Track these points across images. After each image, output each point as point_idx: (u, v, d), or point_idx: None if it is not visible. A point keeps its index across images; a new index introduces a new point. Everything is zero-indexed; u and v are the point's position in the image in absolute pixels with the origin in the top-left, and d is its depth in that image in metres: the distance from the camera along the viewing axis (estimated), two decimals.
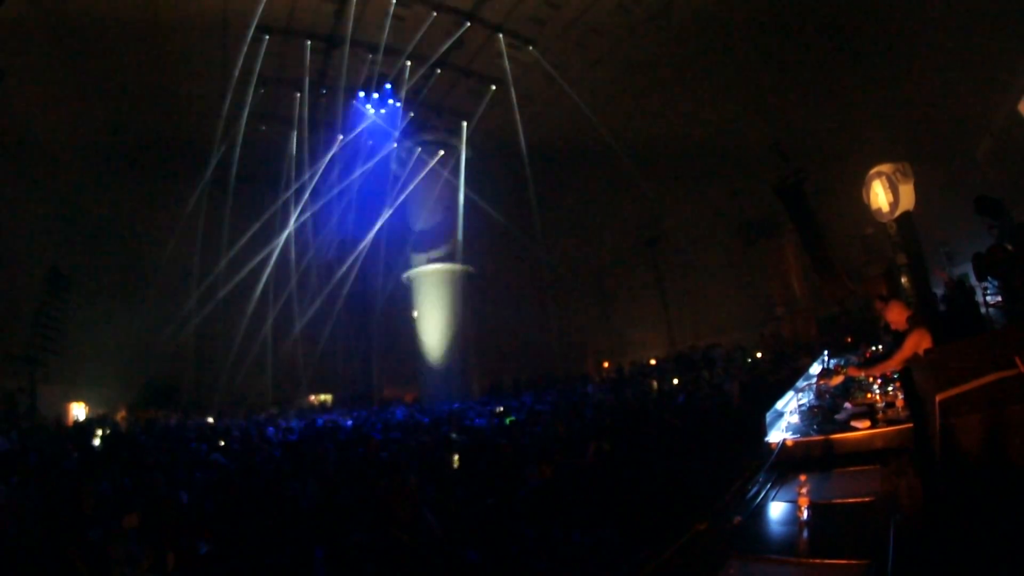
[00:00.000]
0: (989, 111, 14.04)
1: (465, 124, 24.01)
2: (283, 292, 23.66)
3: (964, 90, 14.74)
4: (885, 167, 12.23)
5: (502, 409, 13.98)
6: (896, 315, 5.65)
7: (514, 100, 22.60)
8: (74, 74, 16.87)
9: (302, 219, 23.80)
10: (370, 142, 23.61)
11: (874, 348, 8.52)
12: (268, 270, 23.45)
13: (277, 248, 23.56)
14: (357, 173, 24.05)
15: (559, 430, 8.86)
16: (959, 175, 14.56)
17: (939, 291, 11.94)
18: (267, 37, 18.83)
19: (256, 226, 22.95)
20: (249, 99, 20.98)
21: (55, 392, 17.31)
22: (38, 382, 16.46)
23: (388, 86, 21.77)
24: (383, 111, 22.87)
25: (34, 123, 16.67)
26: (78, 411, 18.52)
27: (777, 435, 4.66)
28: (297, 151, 22.73)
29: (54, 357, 17.01)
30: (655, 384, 16.88)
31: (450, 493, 6.52)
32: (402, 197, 25.09)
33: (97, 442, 12.58)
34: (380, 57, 20.48)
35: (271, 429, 14.00)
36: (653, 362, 23.50)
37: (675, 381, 17.26)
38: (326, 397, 25.04)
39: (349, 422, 15.26)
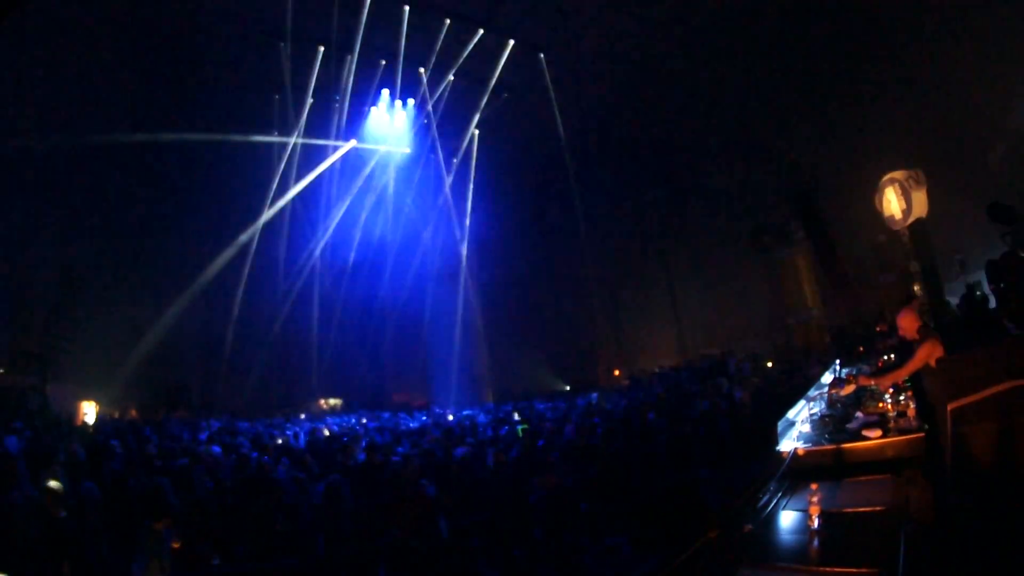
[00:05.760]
0: (1002, 117, 13.96)
1: (477, 130, 24.09)
2: (294, 295, 23.80)
3: (977, 96, 14.65)
4: (898, 174, 12.16)
5: (518, 417, 13.94)
6: (908, 322, 5.62)
7: (525, 107, 22.72)
8: (85, 78, 17.05)
9: (313, 224, 23.97)
10: (383, 148, 23.74)
11: (886, 357, 8.48)
12: (280, 274, 23.62)
13: (287, 251, 23.77)
14: (366, 179, 24.21)
15: (580, 438, 8.83)
16: (972, 181, 14.44)
17: (954, 299, 11.84)
18: (282, 44, 19.02)
19: (264, 229, 23.09)
20: (260, 105, 21.20)
21: (66, 390, 17.40)
22: (49, 380, 16.57)
23: (401, 93, 21.94)
24: (396, 117, 23.04)
25: (48, 124, 16.87)
26: (89, 410, 18.62)
27: (789, 444, 4.66)
28: (309, 157, 22.89)
29: (65, 355, 17.13)
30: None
31: (459, 500, 6.53)
32: (414, 203, 25.21)
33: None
34: (393, 64, 20.65)
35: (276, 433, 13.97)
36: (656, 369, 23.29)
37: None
38: (336, 401, 25.06)
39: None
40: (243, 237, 21.73)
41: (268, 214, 22.17)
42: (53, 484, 6.45)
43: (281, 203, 22.60)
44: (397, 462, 7.97)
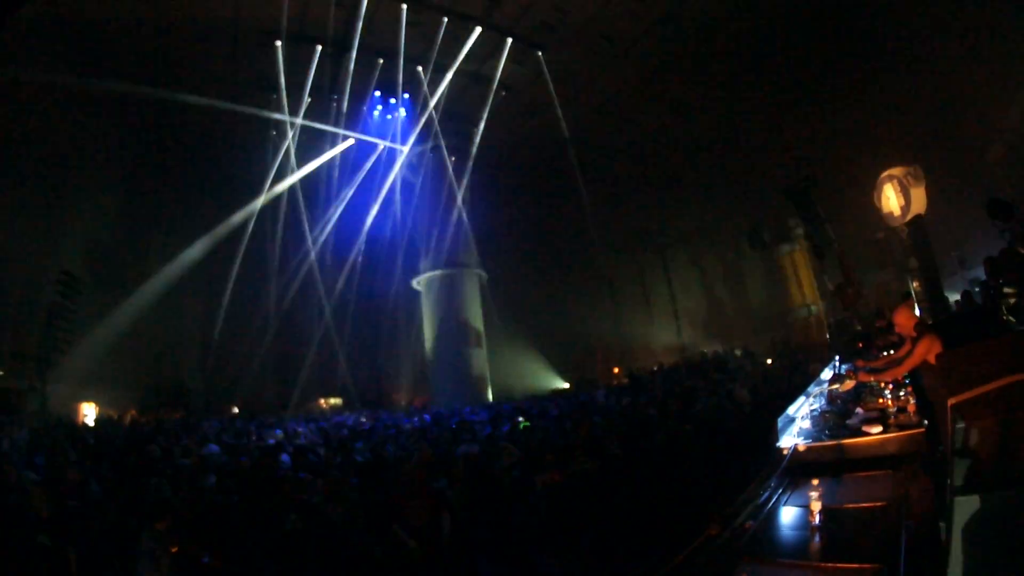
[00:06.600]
0: (1001, 113, 13.96)
1: (475, 129, 24.07)
2: (292, 295, 23.78)
3: (975, 93, 14.66)
4: (896, 170, 12.16)
5: (521, 419, 13.94)
6: (904, 319, 5.61)
7: (522, 105, 22.68)
8: (84, 78, 17.00)
9: (311, 223, 23.95)
10: (381, 146, 23.73)
11: (886, 353, 8.48)
12: (277, 274, 23.60)
13: (285, 251, 23.74)
14: (365, 178, 24.19)
15: (581, 435, 8.80)
16: (971, 178, 14.45)
17: (953, 295, 11.86)
18: (278, 43, 18.98)
19: (265, 230, 23.10)
20: (258, 104, 21.15)
21: (65, 392, 17.39)
22: (48, 382, 16.55)
23: (398, 91, 21.91)
24: (393, 116, 23.02)
25: (46, 127, 16.83)
26: (88, 411, 18.62)
27: (789, 440, 4.65)
28: (306, 156, 22.87)
29: (65, 357, 17.11)
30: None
31: (461, 498, 6.52)
32: (413, 202, 25.22)
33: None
34: (391, 62, 20.62)
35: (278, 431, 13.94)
36: (656, 368, 23.28)
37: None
38: (336, 401, 25.07)
39: None
40: (241, 236, 21.76)
41: (265, 201, 22.18)
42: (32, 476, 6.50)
43: (278, 198, 22.63)
44: (401, 459, 7.98)
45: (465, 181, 24.99)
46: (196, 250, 21.24)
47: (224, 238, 21.80)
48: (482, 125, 23.58)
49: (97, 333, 18.63)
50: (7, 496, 6.26)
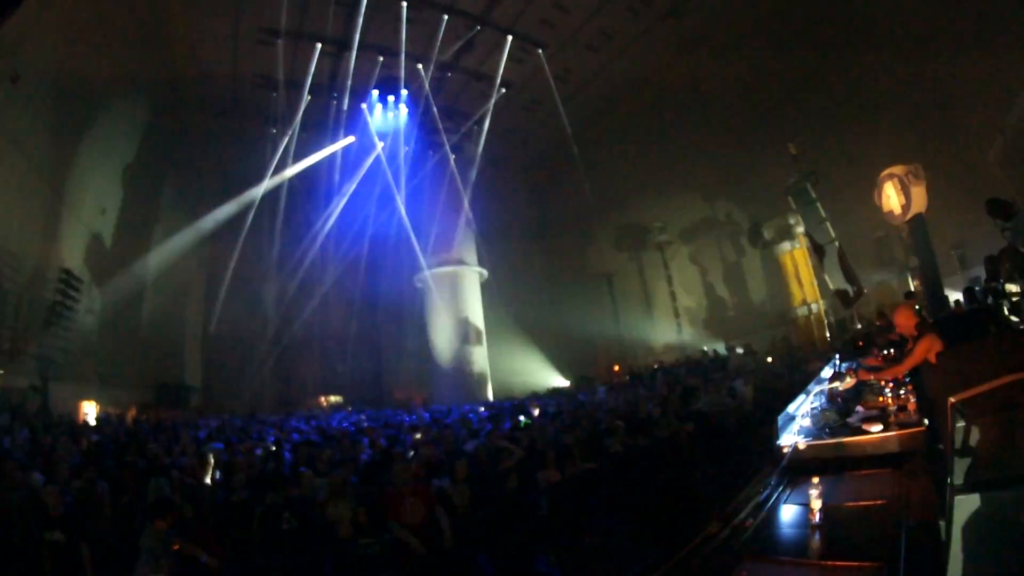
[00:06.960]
0: (1001, 112, 13.93)
1: (476, 127, 24.06)
2: (293, 294, 23.79)
3: (976, 91, 14.63)
4: (897, 169, 12.12)
5: (522, 417, 13.97)
6: (904, 319, 5.61)
7: (525, 103, 22.64)
8: (87, 76, 16.99)
9: (312, 222, 23.96)
10: (380, 144, 23.71)
11: (886, 352, 8.48)
12: (278, 272, 23.61)
13: (284, 249, 23.75)
14: (366, 175, 24.18)
15: (581, 433, 8.81)
16: (971, 177, 14.44)
17: (954, 294, 11.85)
18: (278, 41, 18.98)
19: (264, 228, 23.09)
20: (259, 102, 21.16)
21: (66, 391, 17.38)
22: (49, 380, 16.54)
23: (399, 89, 21.90)
24: (394, 114, 23.00)
25: (46, 125, 16.81)
26: (89, 410, 18.60)
27: (789, 438, 4.64)
28: (306, 154, 22.87)
29: (65, 355, 17.10)
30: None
31: (462, 496, 6.52)
32: (413, 199, 25.19)
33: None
34: (391, 60, 20.62)
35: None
36: (656, 366, 23.25)
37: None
38: (336, 399, 25.09)
39: None
40: (241, 234, 21.77)
41: (264, 197, 22.21)
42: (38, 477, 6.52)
43: (279, 197, 22.65)
44: (400, 455, 7.99)
45: (469, 178, 25.01)
46: (195, 244, 21.28)
47: (224, 236, 21.81)
48: (486, 124, 23.59)
49: (99, 331, 18.66)
50: (10, 494, 6.28)
